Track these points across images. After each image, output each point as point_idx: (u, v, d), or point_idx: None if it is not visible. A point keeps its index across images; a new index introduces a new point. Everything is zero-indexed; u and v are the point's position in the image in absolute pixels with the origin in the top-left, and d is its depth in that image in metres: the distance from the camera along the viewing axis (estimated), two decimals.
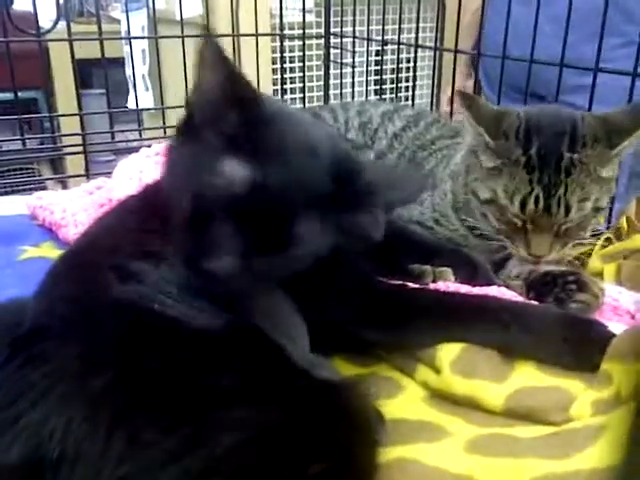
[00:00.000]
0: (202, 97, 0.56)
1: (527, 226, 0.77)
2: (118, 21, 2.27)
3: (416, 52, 1.36)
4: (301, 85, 1.66)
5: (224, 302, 0.55)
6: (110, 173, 1.16)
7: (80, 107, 1.37)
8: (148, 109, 1.95)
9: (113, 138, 1.43)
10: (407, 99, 1.69)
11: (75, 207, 1.02)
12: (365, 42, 1.45)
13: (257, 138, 0.54)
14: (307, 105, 1.67)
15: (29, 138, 1.60)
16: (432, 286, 0.72)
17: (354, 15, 1.46)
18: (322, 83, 1.65)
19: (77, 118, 1.37)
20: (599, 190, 0.75)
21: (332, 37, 1.55)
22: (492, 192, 0.78)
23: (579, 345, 0.61)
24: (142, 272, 0.56)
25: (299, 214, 0.54)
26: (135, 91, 1.61)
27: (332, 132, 0.67)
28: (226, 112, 0.55)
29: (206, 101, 0.56)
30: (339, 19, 1.51)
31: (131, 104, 2.02)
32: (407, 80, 1.86)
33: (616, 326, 0.63)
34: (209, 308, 0.54)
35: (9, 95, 1.33)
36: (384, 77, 1.79)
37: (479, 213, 0.82)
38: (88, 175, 1.35)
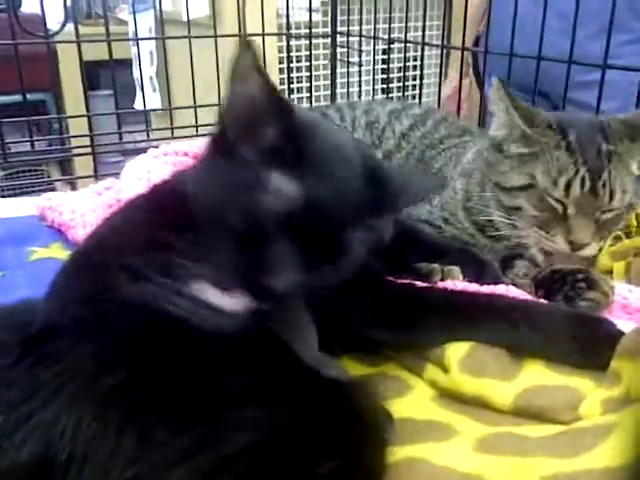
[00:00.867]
0: (237, 110, 0.54)
1: (568, 211, 0.75)
2: (125, 22, 2.28)
3: (423, 50, 1.36)
4: (308, 84, 1.66)
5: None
6: (118, 174, 1.16)
7: (88, 108, 1.38)
8: (155, 110, 1.96)
9: (121, 139, 1.44)
10: (414, 97, 1.68)
11: (84, 208, 1.02)
12: (372, 41, 1.45)
13: (299, 150, 0.53)
14: (314, 104, 1.67)
15: (38, 140, 1.61)
16: (440, 285, 0.72)
17: (361, 14, 1.46)
18: (329, 82, 1.65)
19: (85, 120, 1.38)
20: (632, 185, 0.75)
21: (339, 36, 1.55)
22: (530, 177, 0.76)
23: (588, 343, 0.61)
24: (153, 272, 0.56)
25: (347, 225, 0.53)
26: (142, 92, 1.61)
27: (355, 137, 0.67)
28: (264, 125, 0.53)
29: (241, 115, 0.53)
30: (346, 18, 1.51)
31: (138, 105, 2.03)
32: (414, 78, 1.85)
33: (626, 324, 0.63)
34: (219, 307, 0.55)
35: (18, 97, 1.34)
36: (391, 76, 1.79)
37: (502, 208, 0.80)
38: (97, 176, 1.36)
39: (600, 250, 0.77)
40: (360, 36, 1.47)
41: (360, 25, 1.48)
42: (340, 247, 0.53)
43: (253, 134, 0.53)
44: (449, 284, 0.72)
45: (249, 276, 0.53)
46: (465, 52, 1.34)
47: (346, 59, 1.54)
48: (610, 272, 0.83)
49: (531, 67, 1.07)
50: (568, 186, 0.73)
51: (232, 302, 0.55)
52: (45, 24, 1.27)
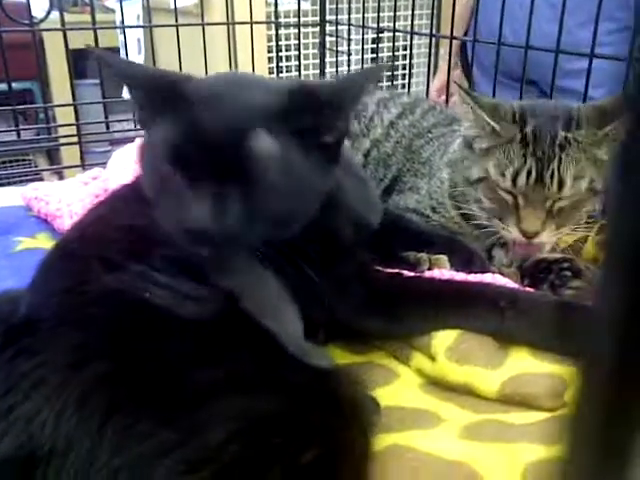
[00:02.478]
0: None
1: (519, 201, 0.76)
2: (112, 10, 2.25)
3: (412, 39, 1.35)
4: (297, 73, 1.65)
5: (212, 282, 0.55)
6: (106, 163, 1.15)
7: (74, 97, 1.36)
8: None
9: (108, 128, 1.43)
10: (403, 87, 1.68)
11: (70, 198, 1.01)
12: (361, 30, 1.44)
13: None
14: None
15: (24, 129, 1.59)
16: (428, 274, 0.72)
17: (350, 3, 1.45)
18: (318, 71, 1.64)
19: (72, 109, 1.36)
20: (595, 171, 0.75)
21: (328, 25, 1.54)
22: (483, 170, 0.79)
23: (574, 331, 0.61)
24: (129, 261, 0.56)
25: (244, 132, 0.53)
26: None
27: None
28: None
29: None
30: (334, 6, 1.50)
31: (126, 94, 2.01)
32: (403, 68, 1.85)
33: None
34: (197, 295, 0.54)
35: (3, 86, 1.32)
36: (380, 64, 1.78)
37: (473, 200, 0.82)
38: (84, 166, 1.35)
39: (569, 238, 0.80)
40: (349, 25, 1.47)
41: (349, 14, 1.47)
42: (246, 154, 0.53)
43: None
44: (437, 273, 0.72)
45: (176, 226, 0.54)
46: (455, 43, 1.34)
47: (335, 48, 1.53)
48: (596, 261, 0.83)
49: (520, 55, 1.07)
50: (515, 177, 0.75)
51: (202, 289, 0.55)
52: (30, 11, 1.25)
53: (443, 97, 1.34)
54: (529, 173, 0.74)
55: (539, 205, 0.75)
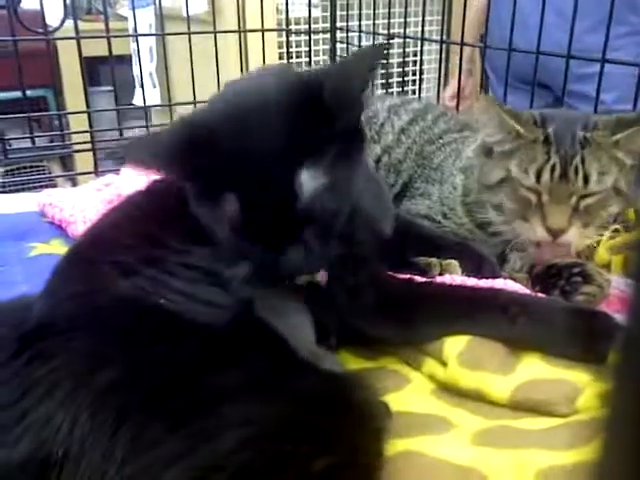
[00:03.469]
0: None
1: (542, 199, 0.75)
2: (125, 18, 2.27)
3: (422, 45, 1.36)
4: None
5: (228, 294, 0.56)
6: (119, 170, 1.16)
7: (88, 104, 1.38)
8: (155, 106, 1.95)
9: (121, 135, 1.44)
10: (414, 93, 1.68)
11: (84, 204, 1.02)
12: (371, 36, 1.44)
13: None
14: None
15: (38, 136, 1.61)
16: (439, 279, 0.72)
17: (360, 9, 1.45)
18: None
19: (86, 116, 1.38)
20: (618, 171, 0.75)
21: (338, 32, 1.55)
22: (505, 170, 0.78)
23: (586, 337, 0.61)
24: (143, 267, 0.56)
25: (274, 174, 0.53)
26: (142, 88, 1.61)
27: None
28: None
29: None
30: (345, 13, 1.51)
31: (137, 101, 2.03)
32: (414, 74, 1.85)
33: (623, 318, 0.63)
34: (211, 301, 0.55)
35: (18, 93, 1.34)
36: (390, 71, 1.78)
37: (491, 206, 0.82)
38: (97, 172, 1.36)
39: (593, 240, 0.78)
40: (359, 32, 1.47)
41: (359, 20, 1.47)
42: (294, 189, 0.52)
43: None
44: (448, 278, 0.72)
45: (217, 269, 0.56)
46: (469, 49, 1.34)
47: (345, 55, 1.53)
48: (608, 266, 0.83)
49: (532, 60, 1.08)
50: (539, 174, 0.74)
51: (218, 294, 0.56)
52: (44, 20, 1.27)
53: (454, 103, 1.34)
54: (553, 169, 0.74)
55: (564, 201, 0.74)
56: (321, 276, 0.59)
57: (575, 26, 0.99)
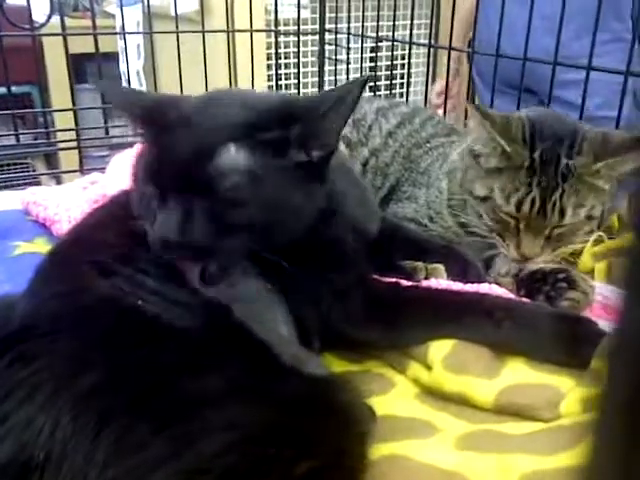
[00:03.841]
0: None
1: (520, 226, 0.78)
2: (113, 16, 2.25)
3: (410, 49, 1.36)
4: (296, 81, 1.65)
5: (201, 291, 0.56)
6: (104, 168, 1.16)
7: (74, 102, 1.36)
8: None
9: (107, 133, 1.43)
10: (402, 95, 1.69)
11: (69, 203, 1.01)
12: (360, 39, 1.45)
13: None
14: None
15: (23, 133, 1.59)
16: (424, 283, 0.73)
17: (349, 12, 1.46)
18: (317, 79, 1.64)
19: (71, 113, 1.36)
20: (594, 198, 0.77)
21: (327, 33, 1.55)
22: (489, 190, 0.79)
23: (570, 342, 0.62)
24: (121, 266, 0.56)
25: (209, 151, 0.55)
26: (129, 86, 1.60)
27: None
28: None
29: None
30: (334, 15, 1.51)
31: None
32: (402, 77, 1.86)
33: (606, 324, 0.64)
34: (189, 302, 0.55)
35: (3, 90, 1.32)
36: (379, 74, 1.79)
37: (474, 212, 0.83)
38: (82, 170, 1.35)
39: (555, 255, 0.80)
40: (348, 34, 1.47)
41: (348, 23, 1.47)
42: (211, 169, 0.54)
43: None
44: (433, 282, 0.72)
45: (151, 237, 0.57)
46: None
47: (334, 57, 1.54)
48: (592, 272, 0.84)
49: (519, 65, 1.08)
50: (520, 205, 0.77)
51: (186, 294, 0.56)
52: (31, 16, 1.25)
53: (442, 99, 1.35)
54: (533, 202, 0.76)
55: (539, 231, 0.77)
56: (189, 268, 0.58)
57: (562, 32, 1.00)
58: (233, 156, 0.55)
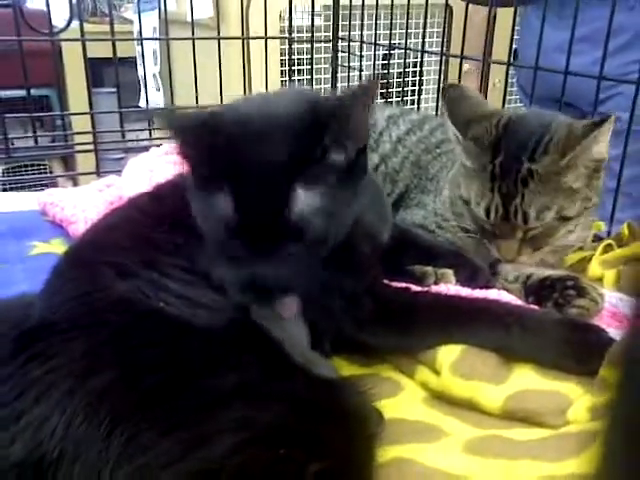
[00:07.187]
0: None
1: (495, 231, 0.80)
2: (130, 21, 2.28)
3: (422, 57, 1.37)
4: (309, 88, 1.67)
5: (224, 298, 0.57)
6: (120, 171, 1.17)
7: (91, 106, 1.39)
8: (157, 109, 1.96)
9: (123, 137, 1.45)
10: (413, 103, 1.69)
11: (85, 204, 1.03)
12: (372, 47, 1.46)
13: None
14: None
15: (41, 135, 1.61)
16: (434, 288, 0.73)
17: (362, 20, 1.47)
18: (329, 86, 1.66)
19: (88, 116, 1.39)
20: (565, 199, 0.76)
21: (340, 41, 1.56)
22: (468, 194, 0.81)
23: (579, 350, 0.62)
24: (141, 269, 0.57)
25: (280, 188, 0.54)
26: (146, 91, 1.62)
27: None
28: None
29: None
30: (347, 23, 1.52)
31: (142, 103, 2.04)
32: (413, 85, 1.87)
33: (615, 332, 0.64)
34: (208, 304, 0.56)
35: (22, 92, 1.34)
36: (390, 81, 1.80)
37: (467, 216, 0.85)
38: (99, 172, 1.37)
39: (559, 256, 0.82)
40: (361, 42, 1.48)
41: (361, 31, 1.48)
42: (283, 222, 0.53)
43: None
44: (442, 288, 0.73)
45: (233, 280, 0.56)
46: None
47: (347, 64, 1.55)
48: (601, 280, 0.84)
49: (556, 82, 1.07)
50: (487, 210, 0.79)
51: (215, 297, 0.56)
52: (51, 21, 1.28)
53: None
54: (497, 209, 0.78)
55: (511, 235, 0.79)
56: (289, 307, 0.57)
57: (594, 53, 1.00)
58: (305, 201, 0.54)
